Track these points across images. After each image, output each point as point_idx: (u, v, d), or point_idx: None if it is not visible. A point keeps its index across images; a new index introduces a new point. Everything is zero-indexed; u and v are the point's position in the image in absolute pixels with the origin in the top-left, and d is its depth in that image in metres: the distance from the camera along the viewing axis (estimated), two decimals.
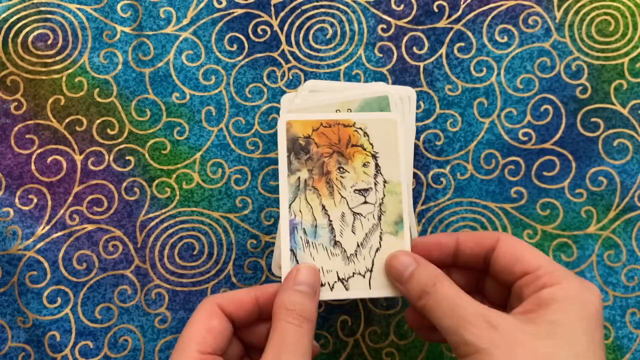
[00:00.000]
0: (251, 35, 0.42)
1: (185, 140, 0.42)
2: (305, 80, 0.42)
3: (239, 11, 0.43)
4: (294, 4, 0.43)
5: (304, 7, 0.43)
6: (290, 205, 0.34)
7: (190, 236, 0.41)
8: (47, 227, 0.41)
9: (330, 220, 0.34)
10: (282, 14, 0.43)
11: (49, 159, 0.41)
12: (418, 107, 0.42)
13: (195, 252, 0.41)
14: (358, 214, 0.34)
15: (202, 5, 0.42)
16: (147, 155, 0.42)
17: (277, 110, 0.42)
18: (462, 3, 0.43)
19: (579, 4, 0.43)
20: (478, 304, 0.29)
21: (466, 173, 0.42)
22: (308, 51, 0.42)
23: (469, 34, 0.43)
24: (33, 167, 0.41)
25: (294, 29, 0.43)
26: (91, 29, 0.42)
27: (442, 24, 0.43)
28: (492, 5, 0.43)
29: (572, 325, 0.28)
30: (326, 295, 0.33)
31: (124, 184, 0.41)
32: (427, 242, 0.34)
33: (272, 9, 0.43)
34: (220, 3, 0.42)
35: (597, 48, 0.42)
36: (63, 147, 0.41)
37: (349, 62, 0.42)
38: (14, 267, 0.40)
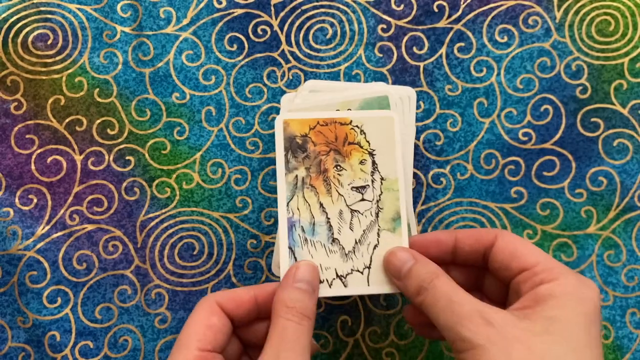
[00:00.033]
0: (251, 35, 0.42)
1: (185, 140, 0.42)
2: (305, 80, 0.42)
3: (239, 11, 0.43)
4: (294, 4, 0.43)
5: (304, 7, 0.43)
6: (288, 203, 0.34)
7: (190, 236, 0.41)
8: (47, 227, 0.41)
9: (328, 218, 0.34)
10: (282, 14, 0.43)
11: (49, 159, 0.41)
12: (418, 107, 0.42)
13: (195, 252, 0.41)
14: (356, 211, 0.34)
15: (202, 5, 0.42)
16: (147, 155, 0.42)
17: (277, 110, 0.42)
18: (462, 3, 0.43)
19: (579, 4, 0.43)
20: (475, 300, 0.30)
21: (466, 173, 0.42)
22: (308, 51, 0.42)
23: (469, 34, 0.43)
24: (33, 167, 0.41)
25: (294, 29, 0.43)
26: (91, 29, 0.42)
27: (442, 24, 0.43)
28: (492, 5, 0.43)
29: (569, 321, 0.28)
30: (325, 292, 0.34)
31: (124, 184, 0.41)
32: (425, 239, 0.34)
33: (272, 9, 0.43)
34: (220, 3, 0.42)
35: (597, 48, 0.42)
36: (63, 147, 0.41)
37: (349, 62, 0.42)
38: (14, 267, 0.40)
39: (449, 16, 0.43)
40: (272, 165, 0.42)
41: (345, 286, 0.34)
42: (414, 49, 0.43)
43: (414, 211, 0.41)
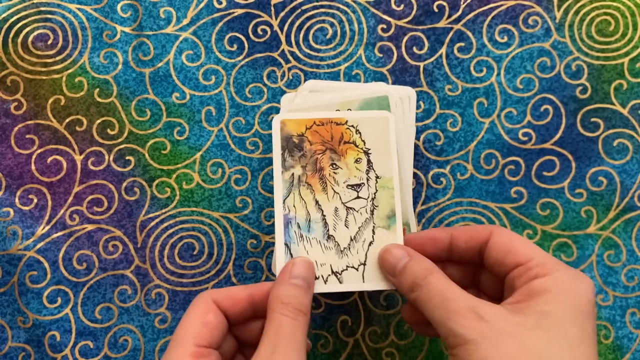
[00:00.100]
0: (251, 35, 0.42)
1: (185, 140, 0.42)
2: (305, 80, 0.42)
3: (239, 11, 0.43)
4: (294, 4, 0.43)
5: (304, 7, 0.43)
6: (284, 200, 0.35)
7: (190, 236, 0.41)
8: (47, 227, 0.41)
9: (324, 215, 0.35)
10: (282, 14, 0.43)
11: (49, 159, 0.41)
12: (418, 107, 0.42)
13: (195, 252, 0.41)
14: (351, 208, 0.35)
15: (202, 5, 0.42)
16: (147, 155, 0.42)
17: (277, 110, 0.42)
18: (462, 3, 0.43)
19: (579, 4, 0.43)
20: (468, 296, 0.30)
21: (466, 173, 0.42)
22: (308, 51, 0.42)
23: (469, 34, 0.43)
24: (33, 167, 0.41)
25: (294, 29, 0.43)
26: (91, 29, 0.42)
27: (442, 24, 0.43)
28: (492, 5, 0.43)
29: (562, 316, 0.28)
30: (320, 288, 0.34)
31: (124, 184, 0.41)
32: (420, 237, 0.34)
33: (272, 9, 0.43)
34: (220, 3, 0.42)
35: (597, 48, 0.42)
36: (63, 147, 0.41)
37: (349, 62, 0.42)
38: (14, 267, 0.40)
39: (449, 16, 0.43)
40: (272, 166, 0.42)
41: (340, 282, 0.34)
42: (414, 49, 0.43)
43: (414, 211, 0.41)
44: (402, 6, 0.43)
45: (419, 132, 0.42)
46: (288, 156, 0.35)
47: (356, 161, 0.35)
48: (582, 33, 0.43)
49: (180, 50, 0.42)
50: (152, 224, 0.41)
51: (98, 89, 0.42)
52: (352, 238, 0.35)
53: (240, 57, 0.42)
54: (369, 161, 0.36)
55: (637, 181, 0.42)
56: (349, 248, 0.35)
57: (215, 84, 0.42)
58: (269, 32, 0.42)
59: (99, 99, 0.42)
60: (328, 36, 0.43)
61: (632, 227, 0.42)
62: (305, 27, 0.43)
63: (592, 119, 0.42)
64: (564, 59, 0.42)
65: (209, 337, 0.30)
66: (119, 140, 0.42)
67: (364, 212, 0.35)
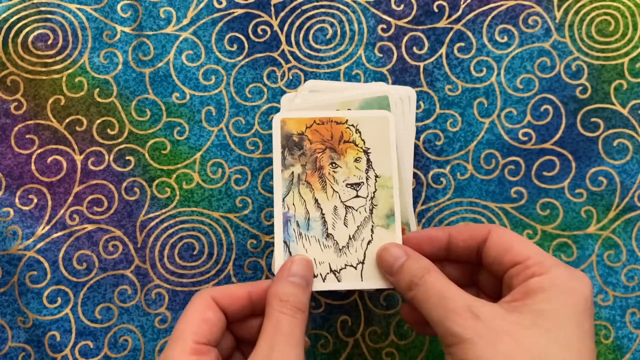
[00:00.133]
0: (251, 35, 0.42)
1: (185, 140, 0.42)
2: (305, 80, 0.42)
3: (239, 11, 0.43)
4: (294, 4, 0.43)
5: (304, 7, 0.43)
6: (284, 198, 0.35)
7: (190, 236, 0.41)
8: (47, 227, 0.41)
9: (323, 214, 0.35)
10: (282, 14, 0.43)
11: (49, 159, 0.41)
12: (418, 107, 0.42)
13: (195, 252, 0.41)
14: (350, 207, 0.35)
15: (202, 5, 0.42)
16: (147, 155, 0.42)
17: (277, 110, 0.42)
18: (462, 3, 0.43)
19: (579, 4, 0.43)
20: (465, 294, 0.30)
21: (466, 173, 0.42)
22: (308, 51, 0.42)
23: (469, 34, 0.43)
24: (33, 167, 0.41)
25: (294, 29, 0.43)
26: (91, 29, 0.42)
27: (442, 24, 0.43)
28: (492, 5, 0.43)
29: (559, 314, 0.28)
30: (318, 286, 0.34)
31: (124, 184, 0.41)
32: (419, 236, 0.34)
33: (272, 9, 0.43)
34: (220, 3, 0.42)
35: (597, 48, 0.42)
36: (63, 147, 0.41)
37: (349, 62, 0.42)
38: (14, 267, 0.40)
39: (449, 16, 0.43)
40: (271, 166, 0.42)
41: (338, 281, 0.34)
42: (414, 49, 0.43)
43: (414, 211, 0.41)
44: (402, 6, 0.43)
45: (419, 132, 0.42)
46: (288, 155, 0.36)
47: (356, 160, 0.36)
48: (582, 33, 0.43)
49: (180, 50, 0.42)
50: (152, 224, 0.41)
51: (98, 89, 0.42)
52: (351, 237, 0.35)
53: (240, 57, 0.42)
54: (368, 160, 0.36)
55: (637, 181, 0.42)
56: (348, 247, 0.35)
57: (215, 84, 0.42)
58: (269, 32, 0.42)
59: (99, 99, 0.42)
60: (328, 36, 0.43)
61: (632, 227, 0.42)
62: (305, 27, 0.43)
63: (592, 119, 0.42)
64: (564, 59, 0.42)
65: (208, 334, 0.30)
66: (119, 140, 0.42)
67: (363, 211, 0.35)
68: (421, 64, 0.42)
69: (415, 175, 0.42)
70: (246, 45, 0.42)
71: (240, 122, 0.42)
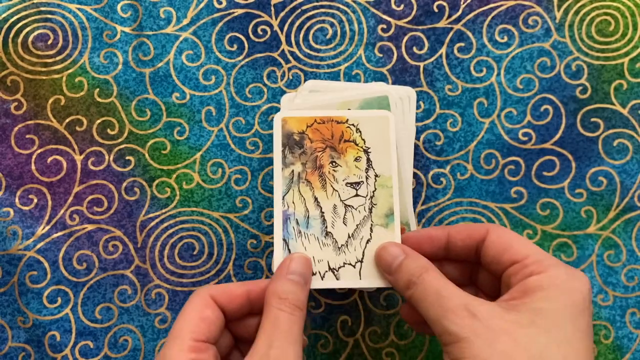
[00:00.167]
0: (251, 35, 0.42)
1: (185, 140, 0.42)
2: (305, 80, 0.42)
3: (239, 11, 0.43)
4: (294, 4, 0.43)
5: (304, 7, 0.43)
6: (283, 196, 0.35)
7: (190, 236, 0.41)
8: (47, 227, 0.41)
9: (322, 212, 0.35)
10: (282, 14, 0.43)
11: (49, 159, 0.41)
12: (418, 107, 0.42)
13: (195, 252, 0.41)
14: (349, 206, 0.35)
15: (202, 5, 0.42)
16: (147, 155, 0.42)
17: (277, 110, 0.42)
18: (462, 3, 0.43)
19: (579, 4, 0.43)
20: (463, 293, 0.30)
21: (466, 173, 0.42)
22: (308, 51, 0.42)
23: (469, 34, 0.43)
24: (33, 167, 0.41)
25: (294, 29, 0.43)
26: (91, 29, 0.42)
27: (442, 24, 0.43)
28: (492, 5, 0.43)
29: (556, 313, 0.28)
30: (317, 284, 0.34)
31: (124, 184, 0.41)
32: (418, 235, 0.34)
33: (272, 9, 0.43)
34: (220, 3, 0.42)
35: (597, 48, 0.42)
36: (63, 147, 0.41)
37: (349, 62, 0.42)
38: (14, 267, 0.40)
39: (449, 16, 0.43)
40: (272, 165, 0.42)
41: (337, 279, 0.34)
42: (414, 49, 0.43)
43: (414, 211, 0.41)
44: (402, 6, 0.43)
45: (419, 132, 0.42)
46: (288, 153, 0.36)
47: (356, 159, 0.36)
48: (582, 33, 0.43)
49: (180, 50, 0.42)
50: (152, 224, 0.41)
51: (98, 89, 0.42)
52: (350, 235, 0.35)
53: (240, 57, 0.42)
54: (368, 160, 0.36)
55: (637, 181, 0.42)
56: (347, 245, 0.35)
57: (215, 84, 0.42)
58: (269, 32, 0.43)
59: (99, 99, 0.42)
60: (328, 36, 0.43)
61: (632, 227, 0.42)
62: (305, 27, 0.43)
63: (592, 119, 0.42)
64: (564, 59, 0.42)
65: (206, 332, 0.30)
66: (119, 140, 0.42)
67: (362, 210, 0.35)
68: (421, 64, 0.42)
69: (415, 175, 0.42)
70: (246, 45, 0.42)
71: (240, 122, 0.42)
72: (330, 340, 0.41)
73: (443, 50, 0.43)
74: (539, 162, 0.42)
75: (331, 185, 0.35)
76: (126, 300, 0.41)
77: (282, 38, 0.42)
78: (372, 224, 0.35)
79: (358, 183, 0.35)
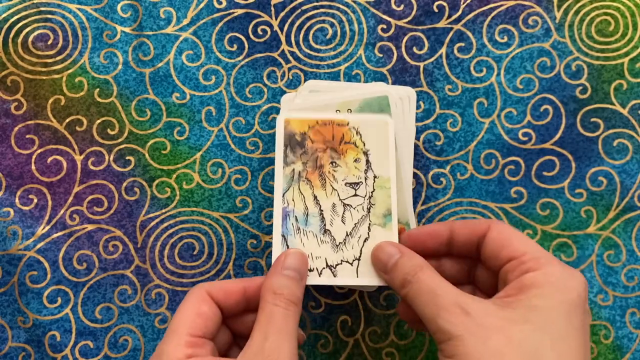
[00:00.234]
0: (251, 35, 0.42)
1: (186, 140, 0.42)
2: (305, 80, 0.42)
3: (239, 11, 0.43)
4: (294, 4, 0.43)
5: (304, 7, 0.43)
6: (284, 194, 0.36)
7: (190, 236, 0.41)
8: (47, 227, 0.41)
9: (321, 210, 0.36)
10: (282, 14, 0.43)
11: (49, 159, 0.41)
12: (418, 107, 0.42)
13: (195, 252, 0.41)
14: (348, 205, 0.36)
15: (202, 5, 0.42)
16: (147, 155, 0.42)
17: (277, 110, 0.42)
18: (462, 3, 0.43)
19: (579, 4, 0.43)
20: (457, 291, 0.30)
21: (466, 173, 0.42)
22: (308, 51, 0.42)
23: (469, 34, 0.43)
24: (33, 167, 0.41)
25: (294, 29, 0.43)
26: (91, 29, 0.42)
27: (442, 24, 0.43)
28: (492, 5, 0.43)
29: (551, 310, 0.28)
30: (314, 280, 0.35)
31: (124, 184, 0.41)
32: (421, 231, 0.35)
33: (272, 9, 0.43)
34: (220, 3, 0.42)
35: (597, 48, 0.42)
36: (63, 147, 0.41)
37: (349, 62, 0.42)
38: (14, 267, 0.40)
39: (449, 16, 0.43)
40: (272, 165, 0.42)
41: (334, 276, 0.35)
42: (414, 49, 0.43)
43: (414, 211, 0.41)
44: (402, 6, 0.43)
45: (419, 132, 0.42)
46: (290, 152, 0.36)
47: (355, 161, 0.36)
48: (582, 33, 0.43)
49: (180, 50, 0.42)
50: (152, 224, 0.41)
51: (98, 89, 0.42)
52: (348, 233, 0.35)
53: (240, 57, 0.42)
54: (367, 161, 0.37)
55: (637, 181, 0.42)
56: (345, 243, 0.35)
57: (215, 84, 0.42)
58: (269, 32, 0.43)
59: (99, 99, 0.42)
60: (328, 36, 0.43)
61: (632, 227, 0.42)
62: (305, 27, 0.43)
63: (592, 119, 0.42)
64: (564, 59, 0.42)
65: (203, 328, 0.31)
66: (119, 140, 0.42)
67: (360, 209, 0.36)
68: (421, 64, 0.42)
69: (415, 175, 0.42)
70: (246, 45, 0.42)
71: (240, 122, 0.42)
72: (330, 340, 0.41)
73: (443, 51, 0.43)
74: (539, 162, 0.42)
75: (331, 185, 0.36)
76: (126, 300, 0.41)
77: (282, 38, 0.42)
78: (370, 224, 0.36)
79: (357, 183, 0.36)
